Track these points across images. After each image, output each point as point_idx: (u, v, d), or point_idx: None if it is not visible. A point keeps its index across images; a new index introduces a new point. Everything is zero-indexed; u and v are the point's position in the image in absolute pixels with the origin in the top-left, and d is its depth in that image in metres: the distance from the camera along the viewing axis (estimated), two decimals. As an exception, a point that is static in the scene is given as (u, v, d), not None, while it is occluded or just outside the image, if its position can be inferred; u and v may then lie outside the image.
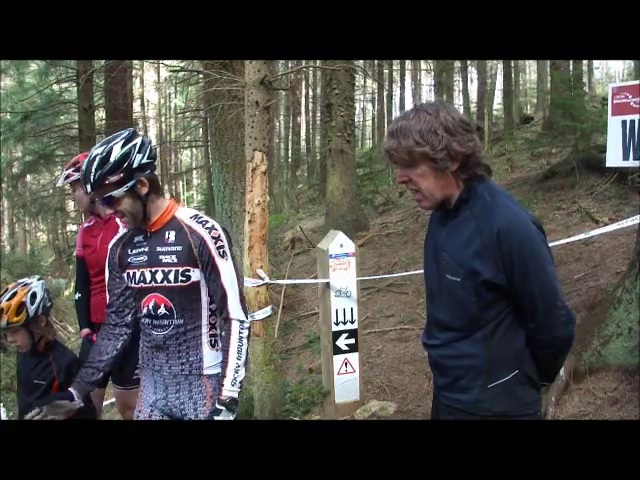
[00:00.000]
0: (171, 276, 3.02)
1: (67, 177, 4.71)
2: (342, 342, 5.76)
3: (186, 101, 27.94)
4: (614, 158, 5.02)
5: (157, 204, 3.08)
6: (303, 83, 35.35)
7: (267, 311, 5.72)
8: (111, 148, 2.92)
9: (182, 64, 12.09)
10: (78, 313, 4.91)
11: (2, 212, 43.81)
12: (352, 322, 5.76)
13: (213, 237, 3.03)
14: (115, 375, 4.73)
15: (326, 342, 5.88)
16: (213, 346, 3.15)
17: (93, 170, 2.88)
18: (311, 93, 37.57)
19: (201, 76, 12.10)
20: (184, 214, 3.13)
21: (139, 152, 2.97)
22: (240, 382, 3.02)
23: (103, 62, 15.23)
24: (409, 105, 35.72)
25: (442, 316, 2.42)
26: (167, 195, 3.24)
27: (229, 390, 2.98)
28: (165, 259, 3.03)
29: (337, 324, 5.72)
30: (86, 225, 4.89)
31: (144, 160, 2.99)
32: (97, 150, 2.92)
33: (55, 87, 19.17)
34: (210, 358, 3.13)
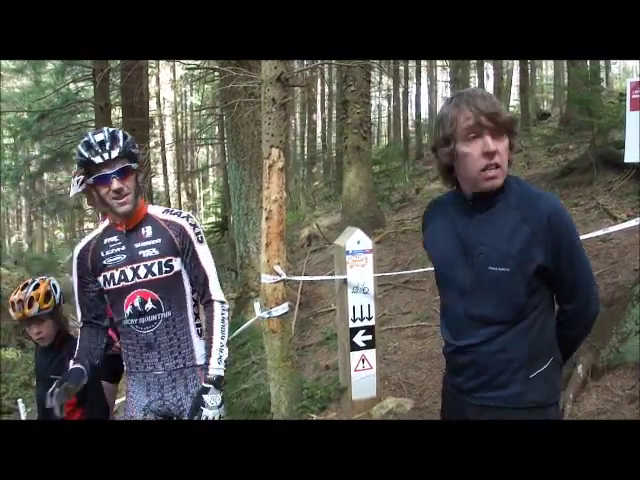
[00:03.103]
0: (155, 268, 3.11)
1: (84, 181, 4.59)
2: (359, 339, 5.76)
3: (202, 99, 28.02)
4: (633, 154, 4.99)
5: (139, 200, 3.18)
6: (319, 80, 35.33)
7: (284, 307, 5.74)
8: (122, 131, 3.10)
9: (198, 62, 12.11)
10: None
11: (20, 210, 44.19)
12: (369, 319, 5.76)
13: (191, 224, 3.18)
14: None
15: (343, 339, 5.89)
16: (200, 335, 3.25)
17: (121, 138, 3.02)
18: (327, 90, 37.52)
19: (217, 74, 12.09)
20: (156, 210, 3.25)
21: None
22: (225, 361, 3.12)
23: (119, 61, 15.28)
24: (425, 102, 35.73)
25: (483, 311, 2.33)
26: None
27: (215, 368, 3.08)
28: (146, 253, 3.11)
29: (354, 321, 5.72)
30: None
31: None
32: (111, 129, 3.06)
33: (71, 86, 19.24)
34: (200, 347, 3.24)
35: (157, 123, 31.96)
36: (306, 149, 37.82)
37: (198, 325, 3.25)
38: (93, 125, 17.09)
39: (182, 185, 39.12)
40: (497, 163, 2.24)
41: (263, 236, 5.71)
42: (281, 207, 5.62)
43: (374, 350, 5.84)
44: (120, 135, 3.02)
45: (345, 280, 5.68)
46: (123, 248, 3.14)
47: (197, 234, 3.18)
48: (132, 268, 3.11)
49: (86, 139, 3.01)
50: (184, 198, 39.09)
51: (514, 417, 2.31)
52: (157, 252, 3.10)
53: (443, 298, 2.58)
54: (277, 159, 5.53)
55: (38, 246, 39.83)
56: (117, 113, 20.17)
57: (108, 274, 3.15)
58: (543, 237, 2.22)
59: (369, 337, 5.79)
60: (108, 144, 2.96)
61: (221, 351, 3.11)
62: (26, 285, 3.98)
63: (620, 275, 6.67)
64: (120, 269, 3.12)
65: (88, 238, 3.30)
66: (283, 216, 5.68)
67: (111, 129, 3.04)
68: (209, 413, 3.00)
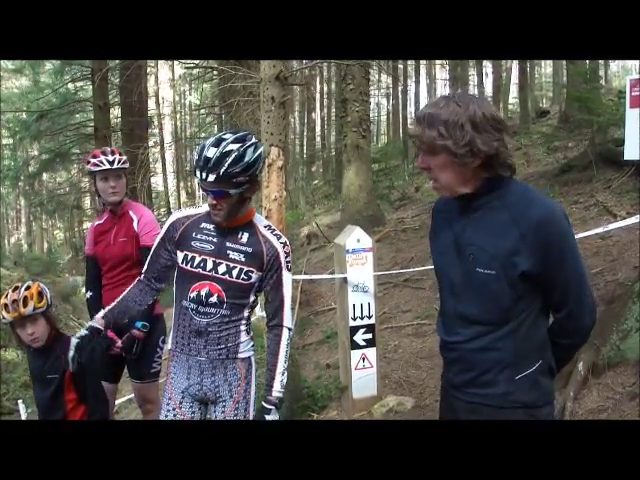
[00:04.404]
0: (235, 272, 3.18)
1: (96, 165, 4.58)
2: (359, 337, 5.76)
3: (201, 98, 28.04)
4: (632, 151, 4.98)
5: (246, 207, 3.22)
6: (318, 79, 35.32)
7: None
8: (245, 150, 3.00)
9: (197, 61, 12.12)
10: (90, 311, 4.92)
11: (19, 211, 44.17)
12: (369, 317, 5.76)
13: (285, 252, 3.27)
14: (132, 370, 4.76)
15: (343, 337, 5.89)
16: (248, 333, 3.35)
17: (226, 164, 2.95)
18: (326, 88, 37.51)
19: (215, 73, 12.10)
20: (260, 221, 3.33)
21: (261, 160, 3.11)
22: (285, 383, 3.26)
23: (118, 60, 15.26)
24: (424, 100, 35.74)
25: (469, 311, 2.35)
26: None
27: (278, 391, 3.21)
28: (233, 255, 3.19)
29: (354, 319, 5.72)
30: (97, 223, 4.86)
31: (262, 169, 3.21)
32: (231, 145, 2.98)
33: (70, 86, 19.30)
34: (245, 343, 3.33)
35: (156, 122, 31.92)
36: (305, 148, 37.80)
37: (247, 325, 3.34)
38: (92, 125, 17.07)
39: (181, 184, 39.13)
40: (431, 177, 2.33)
41: (263, 235, 5.70)
42: (281, 206, 5.61)
43: (374, 349, 5.85)
44: (230, 159, 2.95)
45: (345, 279, 5.68)
46: (215, 240, 3.21)
47: (287, 262, 3.26)
48: (214, 261, 3.18)
49: (203, 144, 3.03)
50: (183, 197, 39.07)
51: (501, 416, 2.32)
52: (243, 259, 3.18)
53: (440, 294, 2.60)
54: (276, 158, 5.53)
55: (37, 246, 39.84)
56: (116, 112, 20.20)
57: (190, 255, 3.22)
58: (530, 242, 2.18)
59: (369, 335, 5.80)
60: (211, 164, 2.95)
61: (283, 374, 3.23)
62: (17, 287, 4.02)
63: (620, 272, 6.67)
64: (203, 256, 3.19)
65: (189, 212, 3.36)
66: (283, 215, 5.67)
67: (229, 147, 2.97)
68: None
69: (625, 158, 5.22)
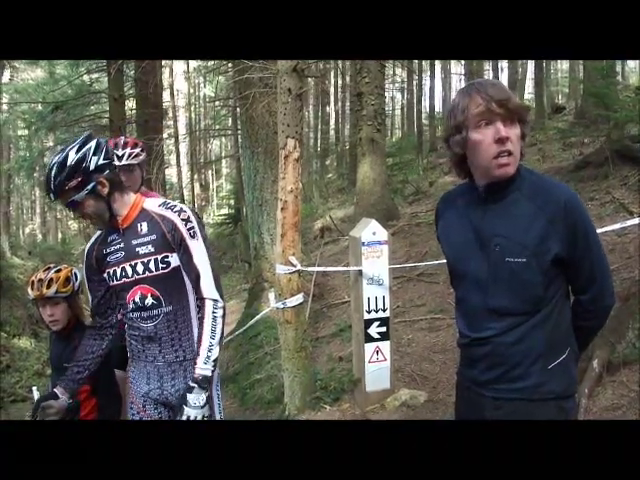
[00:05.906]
0: (151, 265, 3.11)
1: None
2: (374, 330, 5.75)
3: (216, 90, 28.08)
4: (650, 147, 4.95)
5: (123, 201, 3.16)
6: (332, 72, 35.27)
7: (299, 298, 5.74)
8: (67, 154, 2.98)
9: (212, 53, 12.11)
10: None
11: (34, 201, 44.35)
12: (384, 310, 5.75)
13: (183, 219, 3.12)
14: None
15: (357, 330, 5.87)
16: None
17: (52, 178, 2.96)
18: (340, 82, 37.46)
19: (230, 65, 12.08)
20: (152, 204, 3.22)
21: (94, 154, 3.02)
22: (213, 360, 3.05)
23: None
24: (439, 94, 35.67)
25: (501, 303, 2.33)
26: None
27: (201, 368, 3.01)
28: (142, 250, 3.12)
29: (369, 312, 5.70)
30: None
31: (100, 161, 3.04)
32: (54, 158, 3.00)
33: (85, 77, 19.33)
34: None
35: (171, 114, 31.98)
36: (319, 141, 37.78)
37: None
38: (107, 116, 17.11)
39: (195, 177, 39.20)
40: (509, 150, 2.22)
41: (278, 227, 5.71)
42: (296, 198, 5.62)
43: (388, 342, 5.83)
44: (53, 172, 2.97)
45: (360, 271, 5.66)
46: (122, 245, 3.15)
47: (189, 229, 3.11)
48: (130, 265, 3.13)
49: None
50: (197, 189, 39.15)
51: (531, 409, 2.31)
52: (152, 249, 3.10)
53: (458, 290, 2.56)
54: (293, 149, 5.53)
55: (52, 236, 40.06)
56: (131, 104, 20.21)
57: (111, 271, 3.18)
58: (559, 226, 2.21)
59: (383, 329, 5.78)
60: (45, 184, 3.00)
61: (210, 351, 3.04)
62: (48, 268, 4.11)
63: (636, 270, 6.61)
64: (121, 266, 3.15)
65: (95, 236, 3.32)
66: (298, 207, 5.68)
67: (52, 162, 3.00)
68: (191, 413, 2.94)
69: (643, 154, 5.18)
